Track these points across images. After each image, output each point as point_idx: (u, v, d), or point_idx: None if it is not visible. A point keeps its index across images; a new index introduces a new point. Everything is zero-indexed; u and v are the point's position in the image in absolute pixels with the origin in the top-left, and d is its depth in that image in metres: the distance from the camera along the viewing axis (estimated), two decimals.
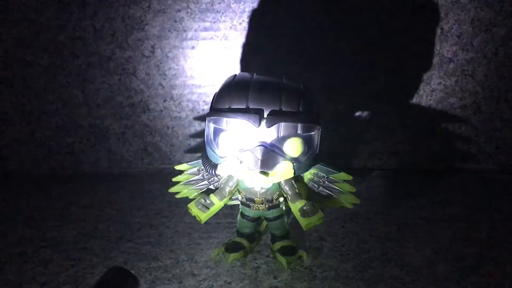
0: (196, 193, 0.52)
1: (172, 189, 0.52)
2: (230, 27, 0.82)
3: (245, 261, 0.50)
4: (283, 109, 0.42)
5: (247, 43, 0.83)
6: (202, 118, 0.86)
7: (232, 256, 0.50)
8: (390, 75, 0.85)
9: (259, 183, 0.46)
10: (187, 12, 0.82)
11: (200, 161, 0.48)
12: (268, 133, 0.42)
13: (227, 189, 0.48)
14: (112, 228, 0.60)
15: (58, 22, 0.81)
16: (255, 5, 0.81)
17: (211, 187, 0.51)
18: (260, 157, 0.42)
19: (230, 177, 0.48)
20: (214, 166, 0.44)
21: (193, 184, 0.52)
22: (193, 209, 0.48)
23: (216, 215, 0.49)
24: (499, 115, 0.87)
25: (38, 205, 0.69)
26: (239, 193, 0.49)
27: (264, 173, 0.43)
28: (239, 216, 0.52)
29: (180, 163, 0.50)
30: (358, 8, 0.81)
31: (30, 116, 0.85)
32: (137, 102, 0.86)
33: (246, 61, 0.84)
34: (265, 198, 0.48)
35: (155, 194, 0.74)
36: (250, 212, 0.50)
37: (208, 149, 0.45)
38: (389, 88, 0.85)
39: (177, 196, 0.52)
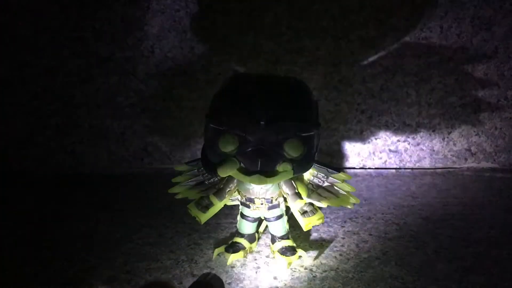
0: (196, 194, 0.51)
1: (172, 190, 0.52)
2: (230, 27, 0.82)
3: (245, 261, 0.50)
4: (283, 110, 0.42)
5: (247, 42, 0.83)
6: (202, 118, 0.86)
7: (232, 256, 0.50)
8: (389, 74, 0.85)
9: (258, 184, 0.46)
10: (186, 12, 0.82)
11: (200, 161, 0.48)
12: (268, 133, 0.42)
13: (227, 190, 0.48)
14: (112, 229, 0.60)
15: (58, 22, 0.81)
16: (254, 5, 0.81)
17: (211, 187, 0.51)
18: (259, 158, 0.42)
19: (229, 178, 0.48)
20: (214, 166, 0.44)
21: (193, 184, 0.52)
22: (193, 209, 0.48)
23: (216, 215, 0.49)
24: (499, 114, 0.87)
25: (38, 206, 0.69)
26: (239, 193, 0.49)
27: (263, 173, 0.42)
28: (239, 217, 0.52)
29: (180, 163, 0.50)
30: (357, 7, 0.81)
31: (30, 116, 0.85)
32: (136, 102, 0.86)
33: (246, 61, 0.84)
34: (264, 199, 0.48)
35: (155, 195, 0.74)
36: (250, 213, 0.50)
37: (207, 149, 0.45)
38: (388, 87, 0.85)
39: (177, 196, 0.52)
